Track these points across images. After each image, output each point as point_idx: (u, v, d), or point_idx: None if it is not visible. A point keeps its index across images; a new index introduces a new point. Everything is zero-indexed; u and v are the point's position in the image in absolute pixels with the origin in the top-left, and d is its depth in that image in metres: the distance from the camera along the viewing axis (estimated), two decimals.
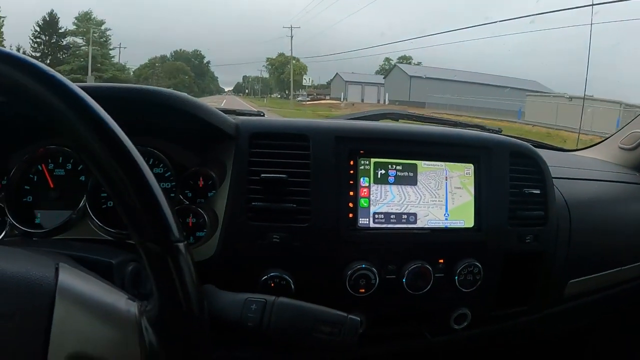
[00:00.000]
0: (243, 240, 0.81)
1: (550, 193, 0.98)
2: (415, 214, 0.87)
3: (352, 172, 0.84)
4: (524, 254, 0.95)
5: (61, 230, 0.82)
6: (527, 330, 1.09)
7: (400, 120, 1.39)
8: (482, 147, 0.92)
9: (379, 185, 0.85)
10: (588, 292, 1.15)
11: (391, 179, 0.86)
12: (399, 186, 0.86)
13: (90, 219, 0.82)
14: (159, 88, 0.77)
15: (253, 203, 0.80)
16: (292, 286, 0.78)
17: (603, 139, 1.61)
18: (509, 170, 0.93)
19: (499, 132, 1.39)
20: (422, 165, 0.88)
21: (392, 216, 0.85)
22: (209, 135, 0.83)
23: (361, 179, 0.84)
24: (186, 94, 0.82)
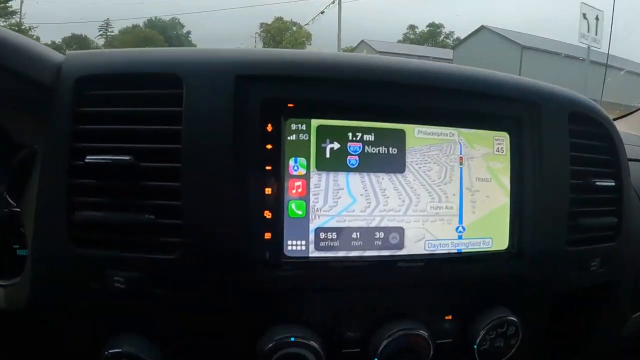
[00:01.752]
0: (64, 282, 0.41)
1: (627, 185, 0.57)
2: (400, 229, 0.44)
3: (270, 146, 0.41)
4: (583, 290, 0.55)
5: None
6: None
7: None
8: (526, 102, 0.49)
9: (328, 174, 0.42)
10: None
11: (353, 160, 0.43)
12: (367, 175, 0.44)
13: None
14: None
15: (77, 213, 0.38)
16: None
17: (635, 109, 1.25)
18: (569, 144, 0.51)
19: None
20: (415, 133, 0.45)
21: (354, 235, 0.43)
22: (18, 85, 0.41)
23: (290, 162, 0.42)
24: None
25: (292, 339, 0.40)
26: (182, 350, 0.42)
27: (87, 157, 0.39)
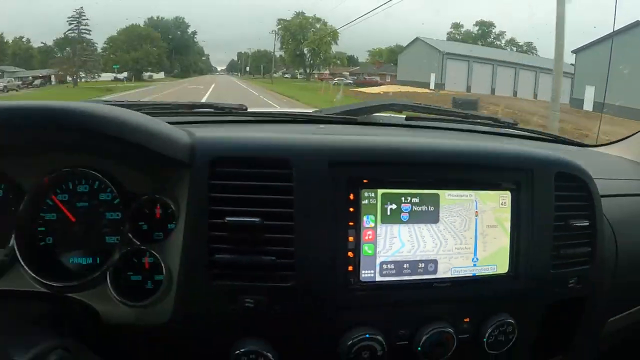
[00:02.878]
0: (205, 304, 0.60)
1: (600, 223, 0.77)
2: (435, 261, 0.66)
3: (352, 209, 0.62)
4: (564, 301, 0.75)
5: None
6: None
7: (404, 112, 1.18)
8: (523, 169, 0.70)
9: (388, 226, 0.63)
10: (628, 328, 0.96)
11: (405, 216, 0.64)
12: (415, 225, 0.64)
13: (21, 266, 0.61)
14: (52, 103, 0.53)
15: (217, 255, 0.58)
16: None
17: (630, 134, 1.41)
18: (554, 197, 0.72)
19: (514, 124, 1.18)
20: (446, 196, 0.66)
21: (405, 265, 0.64)
22: (155, 160, 0.61)
23: (364, 218, 0.62)
24: (103, 106, 0.58)
25: (367, 335, 0.62)
26: (289, 346, 0.63)
27: (227, 218, 0.58)
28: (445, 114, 1.20)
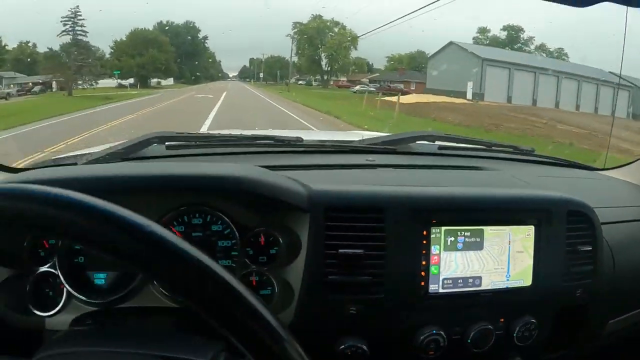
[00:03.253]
0: (320, 312, 0.84)
1: (600, 248, 1.03)
2: (480, 277, 0.91)
3: (425, 242, 0.87)
4: (573, 307, 1.01)
5: (124, 299, 0.83)
6: None
7: (437, 141, 1.40)
8: (543, 210, 0.95)
9: (448, 253, 0.88)
10: (627, 328, 1.21)
11: (459, 245, 0.89)
12: (466, 252, 0.90)
13: (153, 284, 0.83)
14: (224, 172, 0.77)
15: (330, 277, 0.83)
16: (368, 353, 0.83)
17: (636, 158, 1.51)
18: (566, 229, 0.97)
19: (531, 152, 1.42)
20: (489, 230, 0.91)
21: (459, 281, 0.89)
22: (281, 206, 0.85)
23: (432, 248, 0.87)
24: (257, 170, 0.82)
25: (434, 331, 0.87)
26: (379, 341, 0.86)
27: (340, 250, 0.83)
28: (471, 142, 1.44)
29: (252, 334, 0.42)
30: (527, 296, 0.94)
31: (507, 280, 0.93)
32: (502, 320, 0.93)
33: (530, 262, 0.94)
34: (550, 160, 1.45)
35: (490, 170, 1.27)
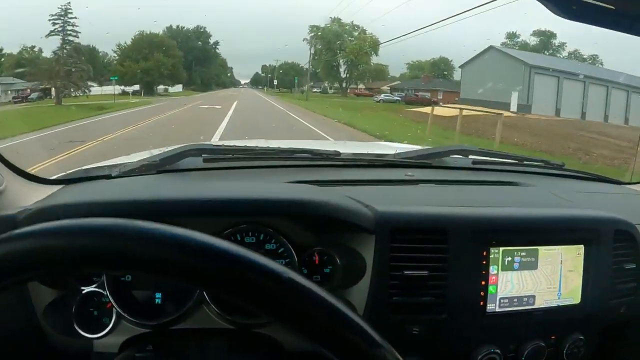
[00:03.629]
0: (382, 331, 0.85)
1: None
2: (533, 296, 0.93)
3: (484, 262, 0.88)
4: (616, 323, 1.03)
5: (178, 320, 0.82)
6: None
7: (470, 155, 1.43)
8: (593, 229, 0.98)
9: (505, 273, 0.90)
10: None
11: (516, 265, 0.91)
12: (521, 272, 0.91)
13: (207, 304, 0.82)
14: (307, 197, 0.77)
15: (394, 298, 0.84)
16: None
17: None
18: (612, 248, 0.99)
19: (562, 166, 1.45)
20: (543, 250, 0.93)
21: (515, 300, 0.91)
22: (347, 228, 0.86)
23: (491, 268, 0.89)
24: (335, 198, 0.82)
25: (492, 350, 0.88)
26: (433, 355, 0.89)
27: (405, 272, 0.85)
28: (504, 157, 1.47)
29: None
30: (577, 314, 0.97)
31: (559, 298, 0.95)
32: (554, 337, 0.95)
33: (579, 280, 0.96)
34: (580, 175, 1.48)
35: (525, 185, 1.29)
